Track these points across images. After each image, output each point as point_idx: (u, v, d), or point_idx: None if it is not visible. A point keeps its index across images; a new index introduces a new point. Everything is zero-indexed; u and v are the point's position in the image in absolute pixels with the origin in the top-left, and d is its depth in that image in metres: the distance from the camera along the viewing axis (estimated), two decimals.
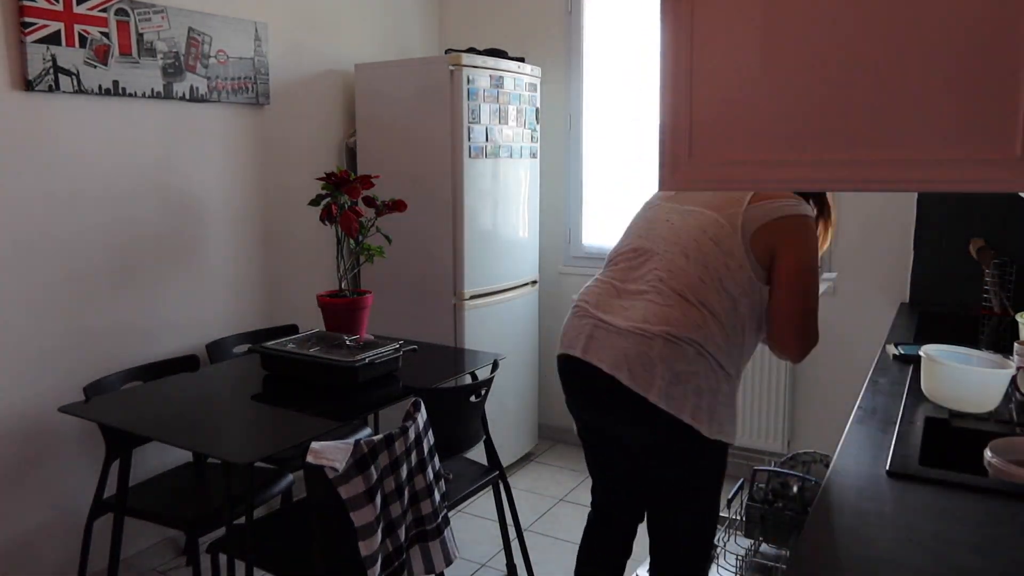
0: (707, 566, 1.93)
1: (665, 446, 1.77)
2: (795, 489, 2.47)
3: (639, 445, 1.82)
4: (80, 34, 2.46)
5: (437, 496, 2.00)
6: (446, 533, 2.02)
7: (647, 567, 2.02)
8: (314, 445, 1.75)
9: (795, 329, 1.78)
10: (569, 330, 1.87)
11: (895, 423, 1.61)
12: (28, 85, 2.34)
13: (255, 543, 2.09)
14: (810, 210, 1.79)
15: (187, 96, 2.80)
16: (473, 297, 3.34)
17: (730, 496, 2.39)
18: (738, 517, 2.56)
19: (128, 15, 2.59)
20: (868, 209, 3.19)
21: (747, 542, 2.56)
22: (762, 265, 1.74)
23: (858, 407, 1.72)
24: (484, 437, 2.58)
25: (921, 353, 1.77)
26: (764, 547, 2.57)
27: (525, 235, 3.64)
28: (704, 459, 1.79)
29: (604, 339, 1.76)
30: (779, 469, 2.54)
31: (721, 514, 2.26)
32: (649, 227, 1.89)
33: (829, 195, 1.92)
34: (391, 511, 1.86)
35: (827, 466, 2.47)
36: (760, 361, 3.36)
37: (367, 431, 1.97)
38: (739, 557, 2.56)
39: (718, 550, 2.52)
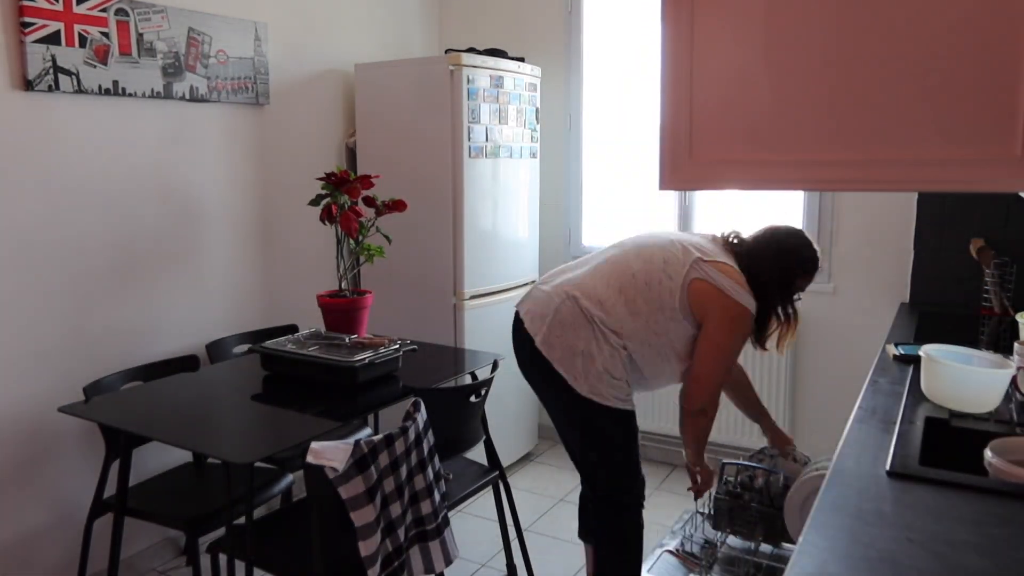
0: (618, 520, 2.24)
1: (548, 389, 2.17)
2: (761, 482, 2.49)
3: (539, 387, 2.23)
4: (80, 34, 2.46)
5: (437, 496, 2.00)
6: (446, 533, 2.02)
7: None
8: (314, 445, 1.75)
9: (695, 381, 2.14)
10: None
11: (895, 423, 1.61)
12: (28, 85, 2.34)
13: (255, 543, 2.09)
14: (749, 303, 2.06)
15: (187, 96, 2.80)
16: (473, 297, 3.34)
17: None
18: (706, 510, 2.59)
19: (128, 15, 2.59)
20: (868, 209, 3.19)
21: (715, 534, 2.59)
22: (694, 315, 2.08)
23: (858, 407, 1.72)
24: (484, 437, 2.58)
25: (921, 353, 1.77)
26: (731, 539, 2.59)
27: (525, 235, 3.64)
28: (578, 413, 2.13)
29: (533, 295, 2.24)
30: (746, 463, 2.57)
31: (690, 507, 2.64)
32: (624, 240, 2.28)
33: (798, 305, 2.20)
34: (391, 511, 1.86)
35: (796, 460, 2.52)
36: (760, 361, 3.36)
37: (367, 431, 1.97)
38: (705, 548, 2.58)
39: (685, 542, 2.56)
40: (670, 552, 2.62)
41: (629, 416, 2.16)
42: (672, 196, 3.60)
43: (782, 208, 3.39)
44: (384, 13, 3.72)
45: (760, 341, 2.19)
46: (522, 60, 3.54)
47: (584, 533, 2.43)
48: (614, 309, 2.08)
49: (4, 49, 2.31)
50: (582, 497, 2.41)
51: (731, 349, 2.10)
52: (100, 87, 2.53)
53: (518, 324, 2.23)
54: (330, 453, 1.74)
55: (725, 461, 2.64)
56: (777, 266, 2.10)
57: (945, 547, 1.09)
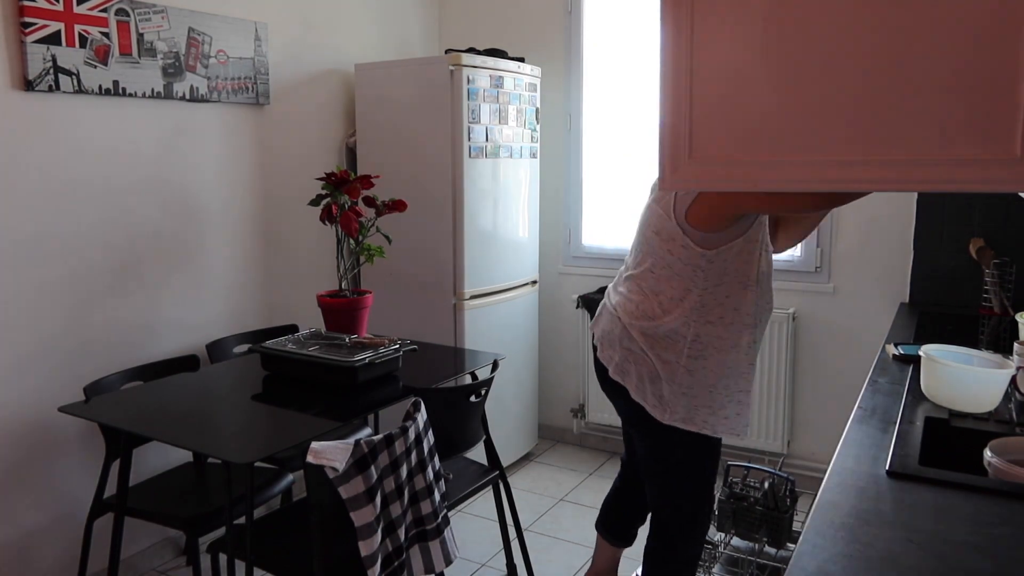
0: (688, 548, 2.07)
1: (630, 418, 2.01)
2: (766, 485, 2.50)
3: (621, 413, 2.08)
4: (80, 34, 2.46)
5: (437, 496, 2.00)
6: (446, 533, 2.02)
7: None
8: (314, 445, 1.75)
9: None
10: None
11: (895, 423, 1.61)
12: (28, 85, 2.34)
13: (255, 543, 2.09)
14: None
15: (187, 96, 2.80)
16: (473, 297, 3.34)
17: None
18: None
19: (128, 15, 2.59)
20: (868, 209, 3.19)
21: (717, 535, 2.60)
22: (711, 230, 1.78)
23: (858, 407, 1.72)
24: (484, 437, 2.58)
25: (921, 353, 1.77)
26: (736, 540, 2.59)
27: (525, 235, 3.64)
28: (659, 439, 1.96)
29: (600, 315, 2.10)
30: (752, 465, 2.58)
31: None
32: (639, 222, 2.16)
33: None
34: (391, 511, 1.86)
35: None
36: (760, 360, 3.36)
37: (367, 431, 1.97)
38: (710, 549, 2.58)
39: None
40: None
41: (714, 445, 2.00)
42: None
43: None
44: (384, 13, 3.72)
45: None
46: (522, 60, 3.54)
47: (603, 527, 2.44)
48: (650, 308, 1.90)
49: (4, 49, 2.31)
50: (615, 491, 2.41)
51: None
52: (100, 87, 2.53)
53: (595, 351, 2.09)
54: (330, 453, 1.74)
55: (731, 463, 2.64)
56: None
57: (945, 547, 1.09)
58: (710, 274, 1.81)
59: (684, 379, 1.88)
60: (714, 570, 2.56)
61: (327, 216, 2.67)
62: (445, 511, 2.04)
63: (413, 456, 1.95)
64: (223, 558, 2.13)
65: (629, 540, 2.42)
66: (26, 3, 2.31)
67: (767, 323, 1.98)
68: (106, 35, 2.53)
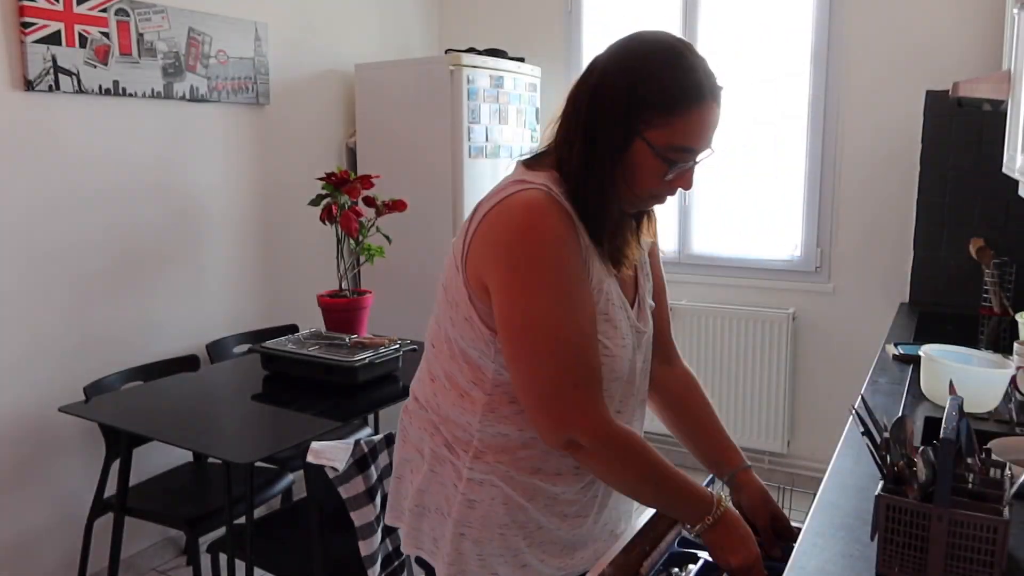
0: None
1: None
2: None
3: None
4: (80, 34, 2.46)
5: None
6: None
7: None
8: (314, 445, 1.76)
9: (536, 404, 1.10)
10: None
11: None
12: (28, 85, 2.34)
13: (255, 543, 2.09)
14: (535, 186, 1.10)
15: (187, 96, 2.80)
16: None
17: None
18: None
19: (128, 15, 2.59)
20: (868, 209, 3.19)
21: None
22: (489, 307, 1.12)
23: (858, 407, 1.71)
24: None
25: (921, 353, 1.77)
26: None
27: None
28: None
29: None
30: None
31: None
32: None
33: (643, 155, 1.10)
34: None
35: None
36: (759, 360, 3.36)
37: (367, 431, 1.97)
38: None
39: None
40: None
41: None
42: None
43: (782, 209, 3.39)
44: (384, 13, 3.72)
45: (613, 252, 1.16)
46: (522, 60, 3.54)
47: None
48: (429, 395, 1.26)
49: (4, 49, 2.31)
50: None
51: (547, 304, 1.06)
52: (100, 87, 2.53)
53: None
54: (330, 453, 1.74)
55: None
56: (594, 99, 1.10)
57: None
58: (505, 367, 1.13)
59: (462, 512, 1.19)
60: None
61: (327, 216, 2.67)
62: None
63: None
64: (223, 558, 2.14)
65: None
66: (26, 3, 2.31)
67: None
68: (106, 35, 2.53)
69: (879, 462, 1.08)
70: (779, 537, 1.28)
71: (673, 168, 1.10)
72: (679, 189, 1.14)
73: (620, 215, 1.17)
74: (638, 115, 1.06)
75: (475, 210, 1.14)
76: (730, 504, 1.15)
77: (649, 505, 1.21)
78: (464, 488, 1.18)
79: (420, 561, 1.27)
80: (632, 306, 1.22)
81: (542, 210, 1.07)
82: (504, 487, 1.17)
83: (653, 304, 1.30)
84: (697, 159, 1.12)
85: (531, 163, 1.19)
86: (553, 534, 1.20)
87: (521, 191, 1.09)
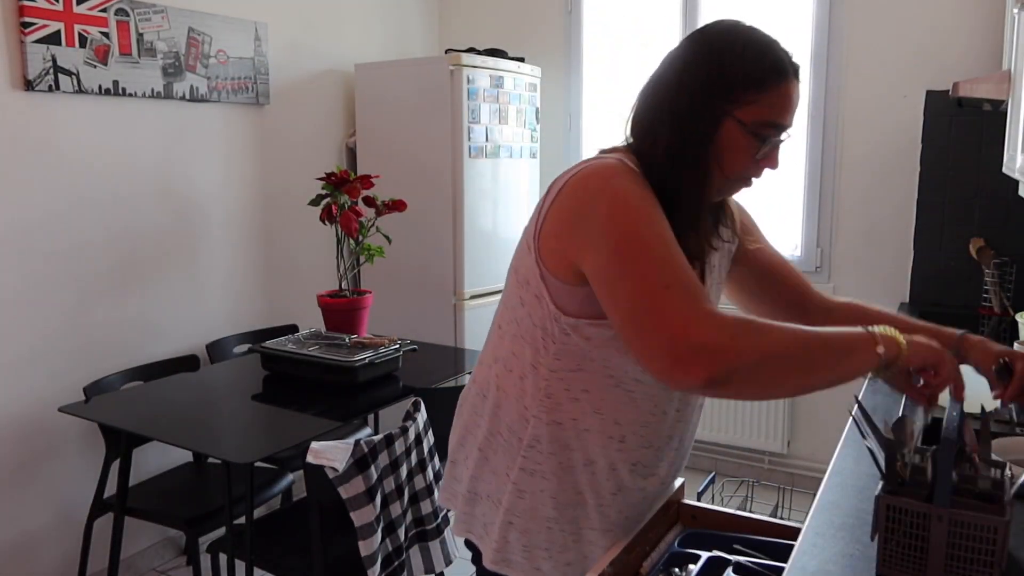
0: None
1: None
2: None
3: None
4: (80, 34, 2.46)
5: (437, 496, 2.00)
6: (446, 533, 2.02)
7: None
8: (314, 445, 1.76)
9: (635, 325, 0.99)
10: None
11: None
12: (28, 85, 2.34)
13: (255, 543, 2.09)
14: (608, 158, 1.11)
15: (187, 96, 2.80)
16: (473, 297, 3.34)
17: (700, 490, 2.35)
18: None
19: (128, 15, 2.59)
20: (868, 209, 3.19)
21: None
22: (569, 281, 1.09)
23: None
24: None
25: None
26: None
27: None
28: None
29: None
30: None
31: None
32: None
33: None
34: (391, 511, 1.86)
35: None
36: None
37: (367, 431, 1.97)
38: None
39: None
40: None
41: None
42: None
43: (782, 209, 3.39)
44: (384, 13, 3.72)
45: (693, 247, 1.10)
46: (522, 60, 3.54)
47: None
48: (486, 380, 1.26)
49: (4, 49, 2.31)
50: None
51: (640, 242, 1.01)
52: (100, 87, 2.53)
53: None
54: (330, 453, 1.74)
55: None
56: (679, 87, 1.11)
57: None
58: (565, 351, 1.13)
59: (512, 502, 1.19)
60: None
61: (327, 216, 2.67)
62: (445, 511, 2.04)
63: (413, 456, 1.95)
64: (223, 558, 2.14)
65: None
66: (26, 3, 2.31)
67: (678, 449, 1.25)
68: (106, 35, 2.53)
69: (879, 463, 1.07)
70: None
71: (764, 145, 1.10)
72: (765, 171, 1.14)
73: (709, 203, 1.16)
74: (727, 95, 1.07)
75: (547, 191, 1.14)
76: (883, 329, 1.04)
77: (817, 381, 1.04)
78: (516, 477, 1.18)
79: (468, 543, 1.28)
80: None
81: (618, 172, 1.06)
82: (554, 481, 1.16)
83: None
84: (783, 137, 1.12)
85: (607, 150, 1.18)
86: (600, 533, 1.20)
87: (593, 162, 1.10)
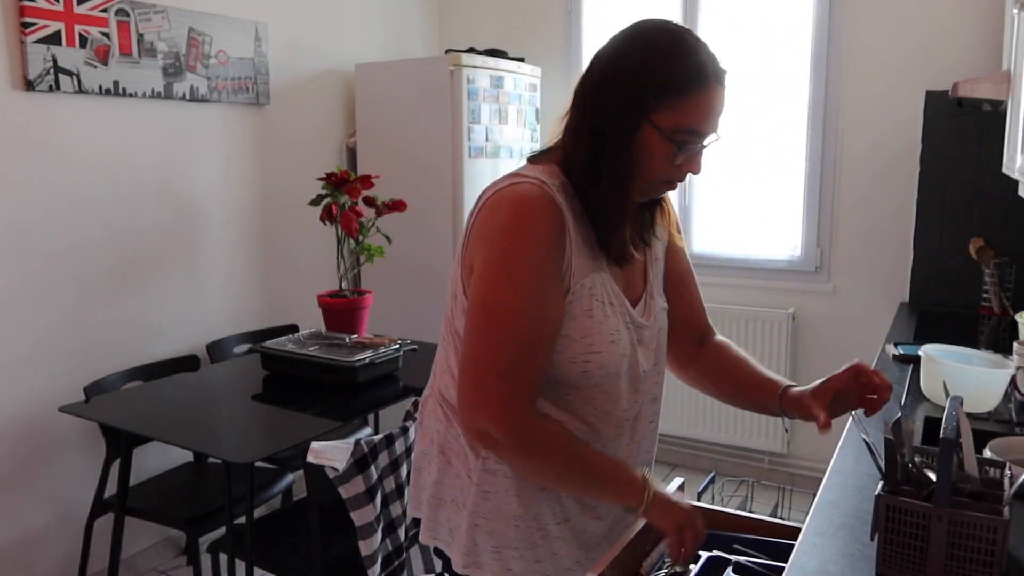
0: None
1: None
2: None
3: None
4: (80, 34, 2.46)
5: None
6: None
7: None
8: (314, 445, 1.76)
9: (461, 380, 1.12)
10: None
11: None
12: (28, 85, 2.34)
13: (255, 543, 2.09)
14: (529, 180, 1.13)
15: (187, 96, 2.80)
16: None
17: (700, 490, 2.35)
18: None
19: (128, 15, 2.59)
20: (868, 209, 3.19)
21: None
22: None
23: None
24: None
25: (921, 353, 1.77)
26: None
27: None
28: None
29: None
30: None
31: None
32: None
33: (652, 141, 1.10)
34: (391, 511, 1.86)
35: None
36: (760, 360, 3.34)
37: (367, 431, 1.97)
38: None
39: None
40: None
41: None
42: (672, 194, 3.59)
43: (782, 209, 3.39)
44: (384, 13, 3.72)
45: (620, 246, 1.15)
46: (522, 60, 3.54)
47: None
48: (440, 383, 1.28)
49: (5, 49, 2.31)
50: None
51: (506, 311, 1.07)
52: (101, 87, 2.53)
53: None
54: (330, 453, 1.74)
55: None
56: (599, 89, 1.11)
57: None
58: None
59: (477, 503, 1.19)
60: None
61: (327, 216, 2.67)
62: None
63: (413, 456, 1.95)
64: (223, 558, 2.14)
65: None
66: (26, 3, 2.31)
67: (635, 448, 1.26)
68: (106, 35, 2.53)
69: (879, 463, 1.08)
70: (871, 389, 1.23)
71: (682, 150, 1.10)
72: (688, 174, 1.14)
73: (632, 206, 1.17)
74: (645, 99, 1.07)
75: (475, 204, 1.18)
76: (657, 485, 1.15)
77: (580, 494, 1.20)
78: (478, 479, 1.18)
79: (438, 551, 1.28)
80: (639, 300, 1.22)
81: (528, 205, 1.09)
82: (517, 478, 1.17)
83: (664, 304, 1.29)
84: (704, 143, 1.12)
85: (535, 159, 1.21)
86: (571, 526, 1.21)
87: (513, 184, 1.13)
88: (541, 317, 1.09)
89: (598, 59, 1.14)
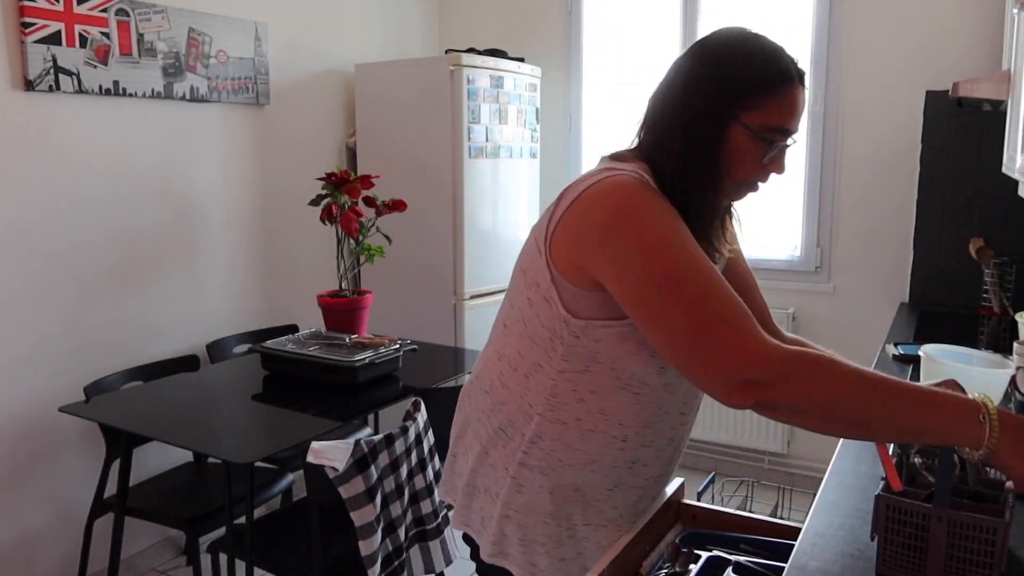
0: None
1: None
2: None
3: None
4: (80, 34, 2.46)
5: (437, 496, 2.00)
6: (446, 533, 2.02)
7: None
8: (314, 445, 1.76)
9: (688, 356, 1.03)
10: None
11: None
12: (29, 85, 2.34)
13: (255, 543, 2.09)
14: (625, 171, 1.11)
15: (187, 96, 2.80)
16: (473, 297, 3.34)
17: (699, 490, 2.34)
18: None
19: (128, 15, 2.59)
20: (868, 209, 3.19)
21: None
22: (582, 286, 1.11)
23: None
24: None
25: (921, 353, 1.77)
26: None
27: (525, 235, 3.63)
28: None
29: None
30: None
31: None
32: None
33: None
34: (391, 511, 1.86)
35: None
36: None
37: (367, 431, 1.97)
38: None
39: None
40: None
41: None
42: None
43: (782, 209, 3.39)
44: (384, 13, 3.72)
45: (708, 250, 1.12)
46: (522, 60, 3.54)
47: None
48: (491, 377, 1.27)
49: (5, 49, 2.31)
50: None
51: (685, 273, 1.03)
52: (101, 87, 2.53)
53: None
54: (330, 453, 1.74)
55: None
56: (687, 93, 1.12)
57: None
58: (573, 353, 1.14)
59: (510, 496, 1.21)
60: None
61: (327, 216, 2.67)
62: (445, 511, 2.04)
63: (413, 456, 1.95)
64: (223, 558, 2.14)
65: None
66: (26, 3, 2.31)
67: (675, 448, 1.26)
68: (106, 35, 2.53)
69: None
70: None
71: (771, 149, 1.11)
72: (772, 175, 1.16)
73: (722, 209, 1.19)
74: (734, 100, 1.09)
75: (561, 196, 1.14)
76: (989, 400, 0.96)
77: (887, 434, 1.02)
78: (515, 472, 1.20)
79: (466, 537, 1.30)
80: None
81: (636, 188, 1.07)
82: (553, 477, 1.18)
83: None
84: (789, 141, 1.14)
85: (618, 157, 1.19)
86: (602, 528, 1.21)
87: (612, 176, 1.10)
88: (710, 265, 1.05)
89: (681, 65, 1.16)
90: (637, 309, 1.05)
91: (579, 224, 1.09)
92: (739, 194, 1.19)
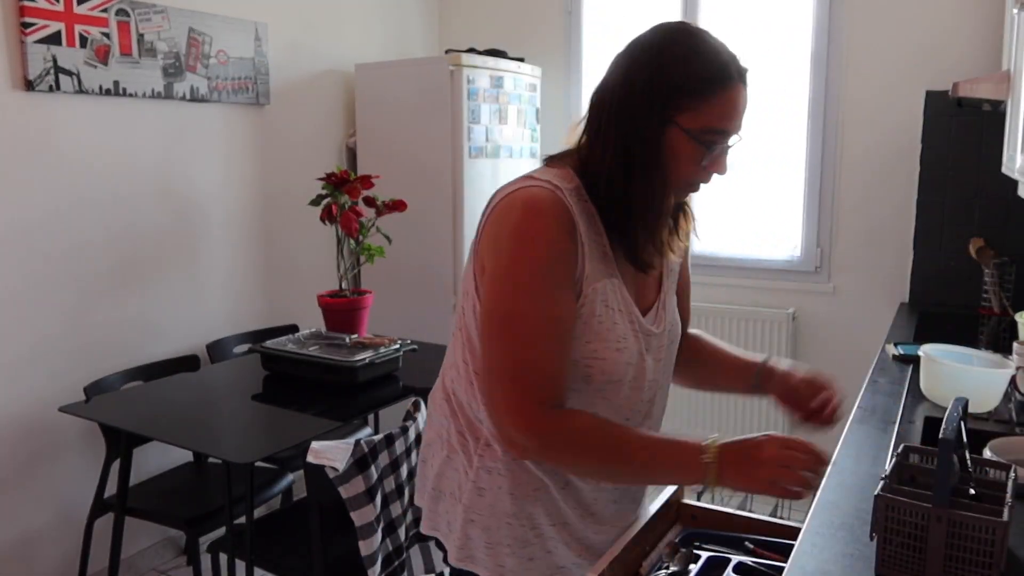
0: None
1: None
2: None
3: None
4: (81, 34, 2.46)
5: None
6: None
7: None
8: (314, 445, 1.76)
9: (486, 396, 1.13)
10: None
11: (895, 423, 1.61)
12: (29, 85, 2.34)
13: (255, 543, 2.09)
14: (540, 184, 1.10)
15: (187, 96, 2.80)
16: None
17: (700, 490, 2.35)
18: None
19: (128, 15, 2.59)
20: (868, 209, 3.19)
21: None
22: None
23: (858, 407, 1.72)
24: None
25: (920, 353, 1.77)
26: None
27: None
28: None
29: None
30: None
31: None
32: None
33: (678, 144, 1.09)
34: (391, 511, 1.86)
35: None
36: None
37: (367, 431, 1.97)
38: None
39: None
40: None
41: None
42: None
43: (782, 209, 3.39)
44: (384, 13, 3.72)
45: (644, 253, 1.14)
46: (522, 60, 3.54)
47: None
48: (450, 378, 1.28)
49: (5, 49, 2.31)
50: None
51: (524, 300, 1.08)
52: (101, 87, 2.53)
53: None
54: (330, 453, 1.74)
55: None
56: (622, 94, 1.10)
57: None
58: None
59: (472, 499, 1.20)
60: None
61: (327, 216, 2.67)
62: None
63: (413, 456, 1.95)
64: (223, 558, 2.14)
65: None
66: (26, 3, 2.31)
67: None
68: (106, 35, 2.53)
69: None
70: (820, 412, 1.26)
71: (709, 151, 1.09)
72: (713, 175, 1.14)
73: (667, 211, 1.17)
74: (670, 102, 1.06)
75: (487, 203, 1.16)
76: (718, 438, 1.07)
77: (634, 483, 1.22)
78: (474, 475, 1.19)
79: (438, 542, 1.30)
80: (651, 307, 1.21)
81: (538, 210, 1.08)
82: (511, 477, 1.17)
83: (677, 316, 1.29)
84: (729, 143, 1.12)
85: (552, 160, 1.19)
86: (569, 530, 1.21)
87: (524, 188, 1.10)
88: (552, 319, 1.08)
89: (618, 64, 1.13)
90: (480, 326, 1.13)
91: (489, 232, 1.13)
92: (680, 194, 1.19)
